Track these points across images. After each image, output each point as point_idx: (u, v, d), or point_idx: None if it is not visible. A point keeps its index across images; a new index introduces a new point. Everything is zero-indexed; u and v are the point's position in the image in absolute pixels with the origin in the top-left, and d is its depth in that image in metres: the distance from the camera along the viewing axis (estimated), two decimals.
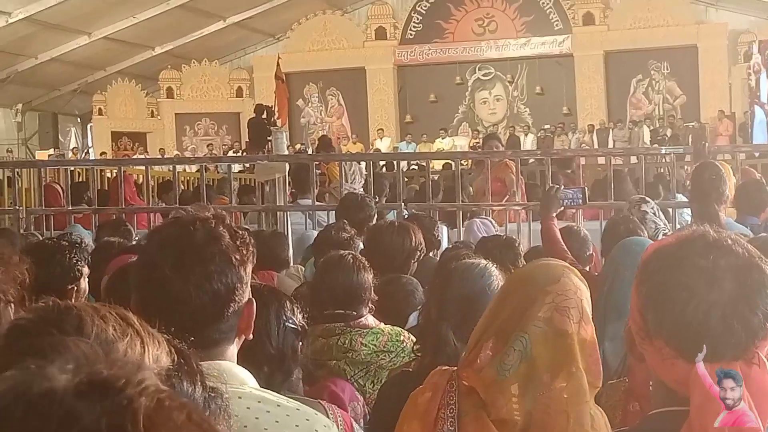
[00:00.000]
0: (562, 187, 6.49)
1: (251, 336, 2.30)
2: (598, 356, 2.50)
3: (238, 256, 2.20)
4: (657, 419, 1.87)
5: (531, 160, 15.32)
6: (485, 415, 2.44)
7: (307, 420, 2.21)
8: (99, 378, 0.93)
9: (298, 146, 28.42)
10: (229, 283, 2.18)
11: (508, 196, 9.44)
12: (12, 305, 2.71)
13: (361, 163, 12.81)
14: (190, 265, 2.17)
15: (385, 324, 4.13)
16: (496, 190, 9.33)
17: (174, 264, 2.18)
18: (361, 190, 10.99)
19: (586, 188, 6.82)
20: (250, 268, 2.25)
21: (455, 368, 2.59)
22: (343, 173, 10.84)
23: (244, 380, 2.21)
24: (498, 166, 9.62)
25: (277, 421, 2.11)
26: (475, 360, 2.50)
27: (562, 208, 6.29)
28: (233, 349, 2.25)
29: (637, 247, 4.73)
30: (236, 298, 2.20)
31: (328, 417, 2.51)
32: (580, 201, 6.28)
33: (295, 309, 3.02)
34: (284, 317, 2.94)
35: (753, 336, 1.74)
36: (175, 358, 1.77)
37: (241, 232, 2.26)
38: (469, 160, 13.70)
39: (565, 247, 5.67)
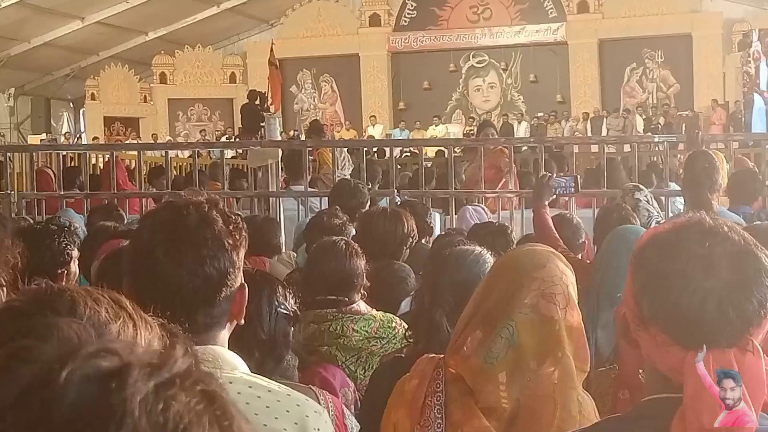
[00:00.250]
0: (555, 175, 6.50)
1: (243, 321, 2.29)
2: (585, 341, 2.51)
3: (230, 241, 2.19)
4: (650, 406, 1.86)
5: (524, 148, 15.31)
6: (472, 402, 2.44)
7: (298, 405, 2.20)
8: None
9: (291, 132, 28.43)
10: (222, 267, 2.18)
11: (502, 182, 9.43)
12: (4, 289, 2.70)
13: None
14: (182, 249, 2.17)
15: (377, 310, 4.12)
16: (490, 178, 9.32)
17: (166, 248, 2.18)
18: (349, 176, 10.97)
19: (578, 176, 6.83)
20: (242, 253, 2.25)
21: (442, 356, 2.58)
22: (335, 159, 10.82)
23: (235, 365, 2.20)
24: (492, 153, 9.61)
25: (267, 407, 2.11)
26: (461, 347, 2.50)
27: (555, 196, 6.30)
28: (225, 334, 2.24)
29: (630, 235, 4.73)
30: (228, 283, 2.20)
31: (319, 403, 2.50)
32: (573, 189, 6.30)
33: (288, 294, 3.01)
34: (276, 303, 2.93)
35: (748, 323, 1.74)
36: (168, 343, 1.76)
37: (234, 217, 2.25)
38: (461, 148, 13.69)
39: (557, 234, 5.67)
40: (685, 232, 1.82)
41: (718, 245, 1.78)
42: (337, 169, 10.68)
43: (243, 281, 2.26)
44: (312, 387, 2.79)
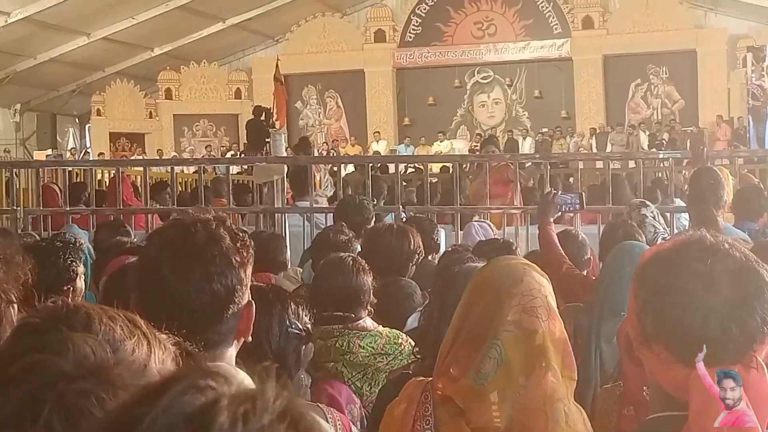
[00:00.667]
0: (560, 192, 6.51)
1: (250, 338, 2.29)
2: (570, 349, 2.51)
3: (238, 258, 2.20)
4: (655, 424, 1.87)
5: (528, 164, 15.31)
6: (463, 423, 2.43)
7: None
8: None
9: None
10: (229, 284, 2.18)
11: (510, 196, 9.44)
12: (14, 306, 2.71)
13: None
14: (190, 266, 2.17)
15: (384, 326, 4.13)
16: (497, 193, 9.32)
17: (174, 265, 2.19)
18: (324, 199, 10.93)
19: (584, 194, 6.84)
20: (250, 270, 2.25)
21: (430, 378, 2.58)
22: (314, 178, 10.72)
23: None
24: (497, 168, 9.61)
25: None
26: (448, 369, 2.49)
27: (560, 213, 6.31)
28: (232, 352, 2.24)
29: (635, 250, 4.73)
30: (236, 300, 2.20)
31: (327, 420, 2.50)
32: (578, 206, 6.31)
33: (301, 312, 3.00)
34: (288, 322, 2.92)
35: (751, 340, 1.74)
36: (182, 363, 1.78)
37: (241, 234, 2.26)
38: (467, 163, 13.69)
39: (562, 251, 5.68)
40: (687, 249, 1.83)
41: (720, 262, 1.78)
42: (319, 188, 10.66)
43: (250, 298, 2.26)
44: (319, 405, 2.79)
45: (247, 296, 2.25)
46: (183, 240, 2.21)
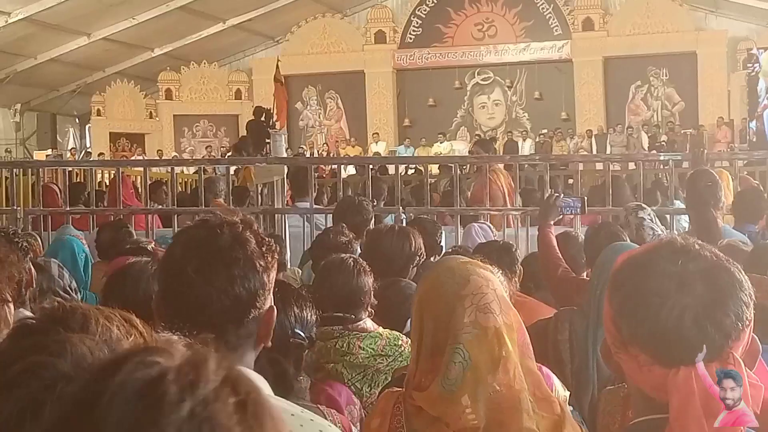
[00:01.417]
0: (561, 195, 6.53)
1: (270, 344, 2.29)
2: (526, 336, 2.52)
3: (262, 263, 2.20)
4: (638, 429, 1.87)
5: (527, 165, 15.32)
6: (444, 427, 2.43)
7: (320, 431, 2.20)
8: None
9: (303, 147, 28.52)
10: (252, 288, 2.18)
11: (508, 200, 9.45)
12: (9, 305, 2.71)
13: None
14: (213, 267, 2.17)
15: (384, 328, 4.13)
16: (480, 198, 9.36)
17: (198, 266, 2.18)
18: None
19: (586, 198, 6.85)
20: (274, 275, 2.25)
21: (402, 390, 2.58)
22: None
23: (260, 388, 2.19)
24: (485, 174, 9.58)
25: None
26: (419, 384, 2.50)
27: (561, 216, 6.34)
28: (251, 356, 2.23)
29: (625, 251, 4.74)
30: (257, 304, 2.20)
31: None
32: (579, 210, 6.32)
33: (306, 314, 2.98)
34: (290, 331, 2.89)
35: (726, 337, 1.76)
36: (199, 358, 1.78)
37: (267, 239, 2.26)
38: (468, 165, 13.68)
39: (559, 254, 5.70)
40: (657, 252, 1.85)
41: (691, 262, 1.80)
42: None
43: (272, 304, 2.26)
44: (320, 406, 2.78)
45: (269, 301, 2.24)
46: (208, 241, 2.20)
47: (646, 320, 1.79)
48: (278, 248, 2.29)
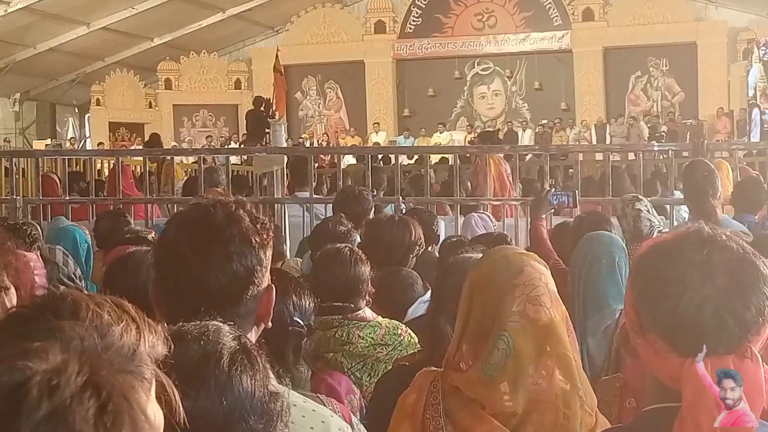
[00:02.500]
0: (553, 189, 6.61)
1: (270, 324, 2.28)
2: (573, 334, 2.53)
3: (257, 239, 2.20)
4: (650, 416, 1.87)
5: (528, 156, 15.32)
6: (479, 408, 2.45)
7: (323, 422, 2.19)
8: None
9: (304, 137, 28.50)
10: (249, 264, 2.18)
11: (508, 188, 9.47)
12: (8, 291, 2.71)
13: None
14: (209, 245, 2.17)
15: (384, 317, 4.13)
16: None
17: (193, 244, 2.18)
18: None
19: (577, 192, 6.91)
20: (269, 252, 2.25)
21: (440, 369, 2.59)
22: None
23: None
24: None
25: (292, 422, 2.08)
26: (458, 365, 2.51)
27: (552, 210, 6.44)
28: (252, 336, 2.22)
29: (605, 238, 4.76)
30: (255, 281, 2.20)
31: None
32: (570, 203, 6.43)
33: (305, 302, 2.98)
34: (289, 319, 2.89)
35: (746, 330, 1.75)
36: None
37: (261, 217, 2.27)
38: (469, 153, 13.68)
39: (550, 246, 5.77)
40: (683, 240, 1.84)
41: (716, 253, 1.79)
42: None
43: (270, 282, 2.26)
44: (320, 395, 2.78)
45: (267, 279, 2.24)
46: (202, 220, 2.21)
47: (666, 308, 1.78)
48: (272, 227, 2.29)
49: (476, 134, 29.46)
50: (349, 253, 4.19)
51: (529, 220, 6.32)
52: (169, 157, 11.78)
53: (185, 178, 10.70)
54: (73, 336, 1.26)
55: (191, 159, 16.58)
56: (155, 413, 1.35)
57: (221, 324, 1.92)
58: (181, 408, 1.40)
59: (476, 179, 9.54)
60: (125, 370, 1.28)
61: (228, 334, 1.88)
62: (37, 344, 1.12)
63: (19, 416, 0.97)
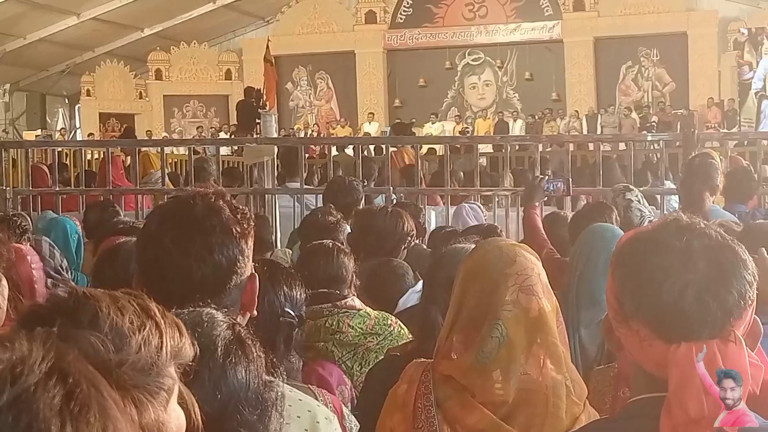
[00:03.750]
0: (546, 177, 6.58)
1: (255, 312, 2.28)
2: (563, 324, 2.56)
3: (238, 229, 2.20)
4: (637, 406, 1.88)
5: (518, 146, 15.31)
6: (469, 396, 2.46)
7: (309, 411, 2.20)
8: None
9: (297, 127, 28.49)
10: (230, 255, 2.18)
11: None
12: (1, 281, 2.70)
13: None
14: (190, 237, 2.18)
15: (375, 307, 4.13)
16: None
17: (174, 236, 2.19)
18: None
19: (570, 179, 6.89)
20: (251, 242, 2.25)
21: (431, 360, 2.60)
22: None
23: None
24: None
25: None
26: (449, 354, 2.52)
27: (546, 198, 6.39)
28: None
29: (607, 233, 4.75)
30: (238, 271, 2.20)
31: (317, 401, 2.50)
32: (564, 191, 6.40)
33: (296, 293, 2.97)
34: (279, 310, 2.89)
35: (728, 314, 1.76)
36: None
37: (241, 207, 2.27)
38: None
39: (545, 236, 5.73)
40: (663, 228, 1.86)
41: (696, 239, 1.81)
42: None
43: (253, 271, 2.26)
44: (311, 386, 2.78)
45: (249, 268, 2.24)
46: (182, 212, 2.21)
47: (649, 294, 1.80)
48: (253, 216, 2.29)
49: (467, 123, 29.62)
50: (332, 245, 4.21)
51: (522, 208, 6.26)
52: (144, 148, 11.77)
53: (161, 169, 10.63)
54: (87, 348, 1.25)
55: (182, 150, 16.55)
56: (178, 418, 1.35)
57: (215, 312, 1.91)
58: (199, 416, 1.39)
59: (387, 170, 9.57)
60: (138, 386, 1.27)
61: (222, 322, 1.88)
62: (1, 334, 1.11)
63: None
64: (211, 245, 2.17)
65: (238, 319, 2.21)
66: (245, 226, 2.22)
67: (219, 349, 1.82)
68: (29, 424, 0.96)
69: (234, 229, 2.19)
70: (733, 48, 27.06)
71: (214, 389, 1.78)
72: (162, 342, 1.33)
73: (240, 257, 2.20)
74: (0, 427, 0.96)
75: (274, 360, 2.52)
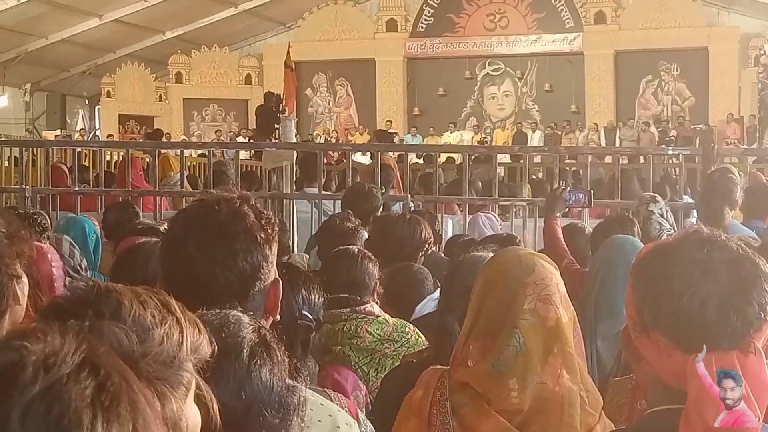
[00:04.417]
0: (568, 188, 6.55)
1: (278, 317, 2.28)
2: (580, 335, 2.55)
3: (263, 235, 2.20)
4: (655, 418, 1.87)
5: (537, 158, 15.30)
6: (485, 404, 2.46)
7: (330, 416, 2.20)
8: None
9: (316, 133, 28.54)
10: (255, 261, 2.18)
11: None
12: (19, 279, 2.70)
13: None
14: (214, 243, 2.17)
15: (392, 312, 4.14)
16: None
17: (198, 242, 2.18)
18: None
19: (592, 191, 6.86)
20: (275, 247, 2.24)
21: (447, 367, 2.60)
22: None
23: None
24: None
25: None
26: (465, 361, 2.52)
27: (567, 208, 6.36)
28: None
29: (627, 246, 4.73)
30: (261, 277, 2.20)
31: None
32: (585, 202, 6.37)
33: (314, 296, 2.97)
34: (297, 313, 2.89)
35: (749, 326, 1.76)
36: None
37: (266, 212, 2.26)
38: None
39: (565, 246, 5.71)
40: (684, 240, 1.87)
41: (717, 251, 1.81)
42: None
43: (277, 276, 2.26)
44: (327, 390, 2.78)
45: (273, 273, 2.24)
46: (207, 218, 2.20)
47: (669, 305, 1.80)
48: (277, 221, 2.28)
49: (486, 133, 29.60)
50: (357, 251, 4.21)
51: (543, 218, 6.24)
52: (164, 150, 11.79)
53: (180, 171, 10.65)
54: (111, 339, 1.25)
55: (200, 153, 16.57)
56: (195, 415, 1.35)
57: (241, 314, 1.92)
58: (217, 410, 1.40)
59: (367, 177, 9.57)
60: (160, 378, 1.28)
61: (248, 325, 1.88)
62: (34, 325, 1.13)
63: (12, 393, 0.97)
64: (236, 252, 2.17)
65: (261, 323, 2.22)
66: (269, 231, 2.22)
67: (245, 351, 1.82)
68: (61, 415, 0.97)
69: (258, 235, 2.19)
70: (754, 64, 26.99)
71: (238, 390, 1.79)
72: (182, 337, 1.34)
73: (264, 263, 2.20)
74: (32, 417, 0.96)
75: (298, 365, 2.54)
